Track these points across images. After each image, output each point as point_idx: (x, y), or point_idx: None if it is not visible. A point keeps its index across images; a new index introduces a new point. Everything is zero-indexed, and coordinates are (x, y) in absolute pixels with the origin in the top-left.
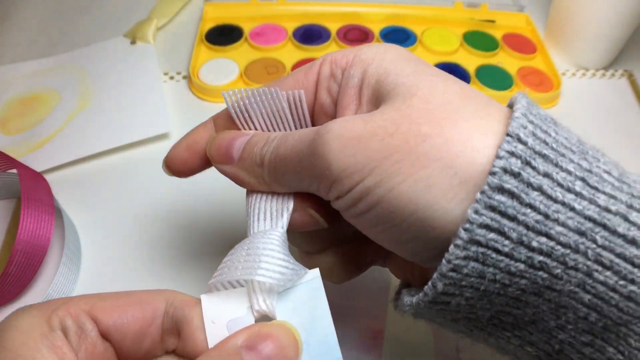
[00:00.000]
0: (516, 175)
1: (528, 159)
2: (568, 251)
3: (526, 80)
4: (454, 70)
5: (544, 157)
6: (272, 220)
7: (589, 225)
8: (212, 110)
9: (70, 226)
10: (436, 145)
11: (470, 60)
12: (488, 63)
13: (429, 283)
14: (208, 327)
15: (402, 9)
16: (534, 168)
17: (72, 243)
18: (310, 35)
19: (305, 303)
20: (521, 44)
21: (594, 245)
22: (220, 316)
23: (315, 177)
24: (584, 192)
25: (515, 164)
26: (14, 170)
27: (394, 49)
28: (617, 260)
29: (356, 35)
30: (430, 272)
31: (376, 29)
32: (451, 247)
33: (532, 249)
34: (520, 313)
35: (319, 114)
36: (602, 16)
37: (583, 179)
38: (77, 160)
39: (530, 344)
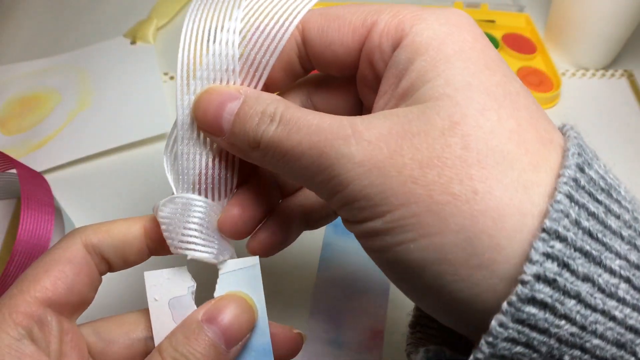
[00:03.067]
0: (551, 282)
1: (567, 260)
2: None
3: (526, 80)
4: None
5: (586, 255)
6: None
7: (630, 336)
8: None
9: (70, 226)
10: (462, 211)
11: None
12: None
13: None
14: (151, 304)
15: None
16: (572, 272)
17: None
18: None
19: (243, 288)
20: (521, 44)
21: (633, 359)
22: (163, 294)
23: (324, 190)
24: (628, 298)
25: (550, 270)
26: (14, 170)
27: (458, 35)
28: None
29: None
30: None
31: None
32: (471, 359)
33: None
34: None
35: (361, 83)
36: (602, 16)
37: (628, 280)
38: (77, 160)
39: None
